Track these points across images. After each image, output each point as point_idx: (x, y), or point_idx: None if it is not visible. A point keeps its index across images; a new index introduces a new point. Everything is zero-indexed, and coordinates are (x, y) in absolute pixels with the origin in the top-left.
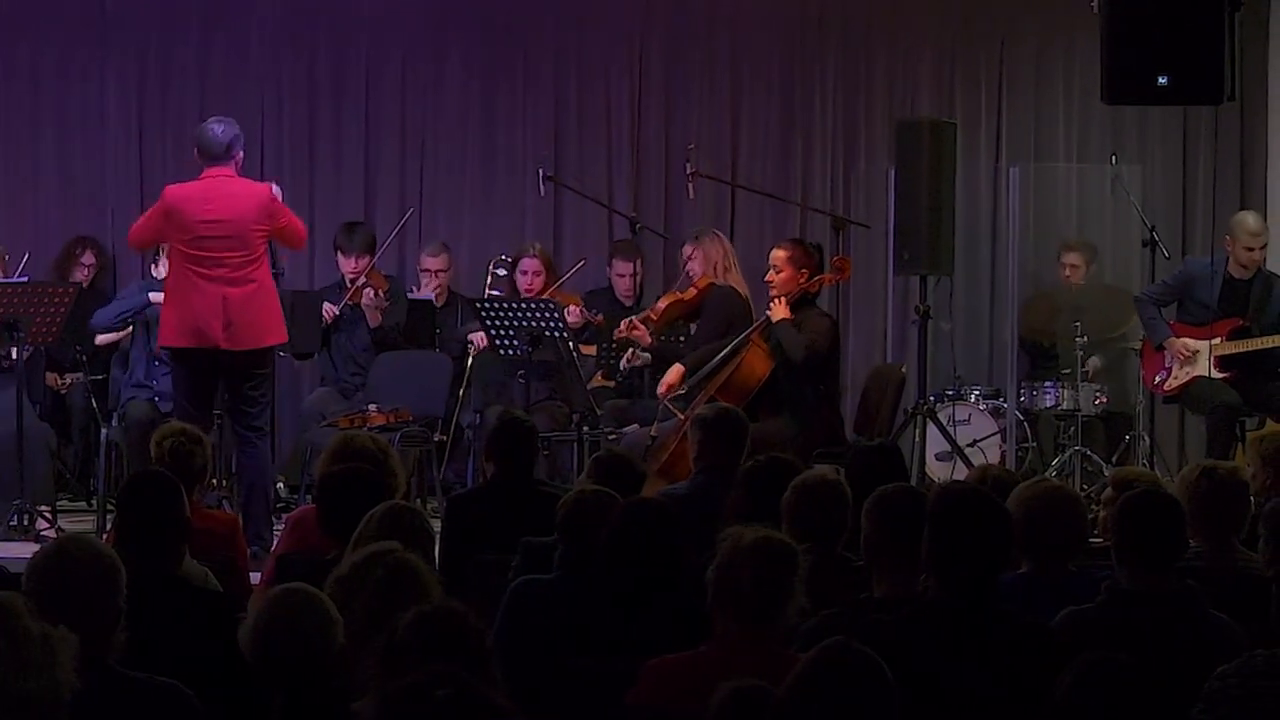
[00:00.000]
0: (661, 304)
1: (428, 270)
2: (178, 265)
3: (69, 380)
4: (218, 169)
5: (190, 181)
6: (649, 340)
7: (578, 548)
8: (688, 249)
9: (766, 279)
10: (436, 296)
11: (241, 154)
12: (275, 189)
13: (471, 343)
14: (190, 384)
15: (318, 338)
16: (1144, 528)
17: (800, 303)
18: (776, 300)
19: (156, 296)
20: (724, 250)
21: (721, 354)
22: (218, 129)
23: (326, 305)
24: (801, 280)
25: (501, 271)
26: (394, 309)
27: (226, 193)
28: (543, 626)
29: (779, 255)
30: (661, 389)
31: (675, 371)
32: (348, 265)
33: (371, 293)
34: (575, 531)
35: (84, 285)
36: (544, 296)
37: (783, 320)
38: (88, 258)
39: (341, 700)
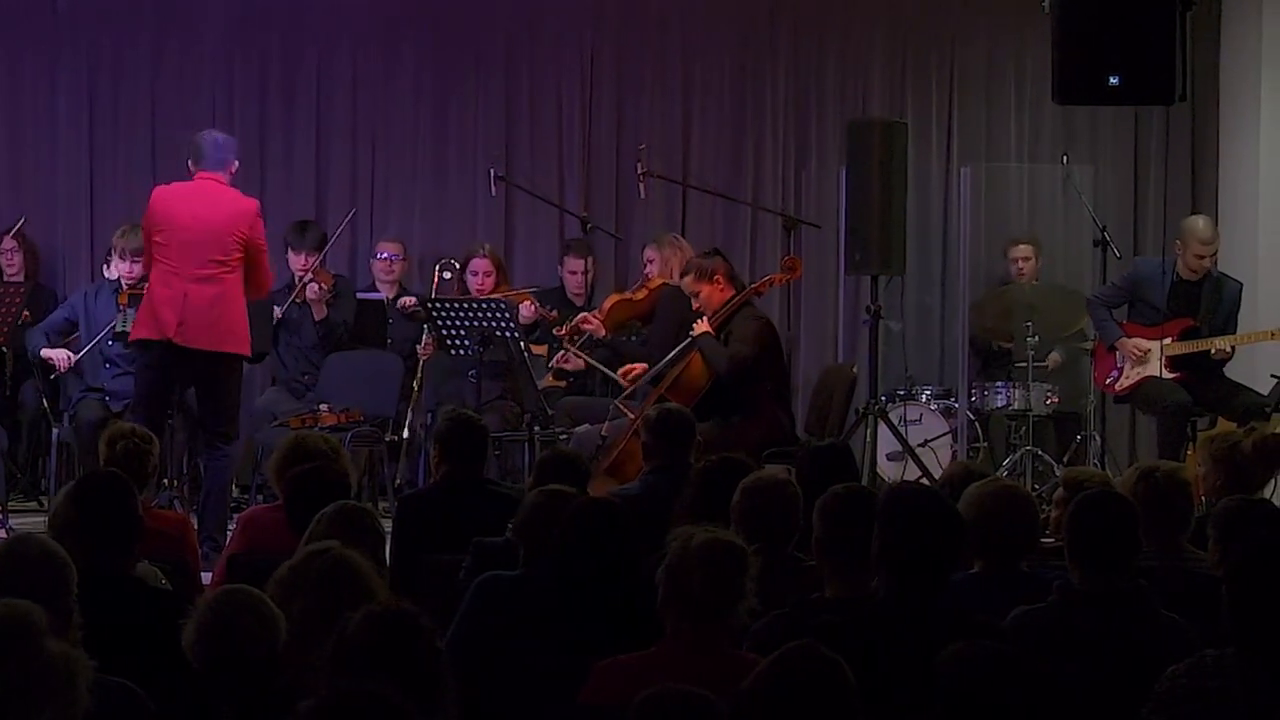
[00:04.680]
0: (607, 304)
1: (386, 256)
2: (153, 260)
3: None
4: (210, 174)
5: (179, 182)
6: (604, 332)
7: (537, 548)
8: (648, 252)
9: (695, 308)
10: (390, 285)
11: (236, 165)
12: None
13: (403, 307)
14: (149, 380)
15: (269, 338)
16: (1097, 528)
17: (743, 304)
18: (700, 321)
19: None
20: (682, 254)
21: (670, 355)
22: (219, 136)
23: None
24: (721, 284)
25: (447, 275)
26: (340, 305)
27: (212, 196)
28: (503, 623)
29: (687, 283)
30: (626, 379)
31: (641, 365)
32: (297, 262)
33: (316, 286)
34: (532, 534)
35: (26, 280)
36: (496, 295)
37: (704, 334)
38: (6, 243)
39: (287, 699)
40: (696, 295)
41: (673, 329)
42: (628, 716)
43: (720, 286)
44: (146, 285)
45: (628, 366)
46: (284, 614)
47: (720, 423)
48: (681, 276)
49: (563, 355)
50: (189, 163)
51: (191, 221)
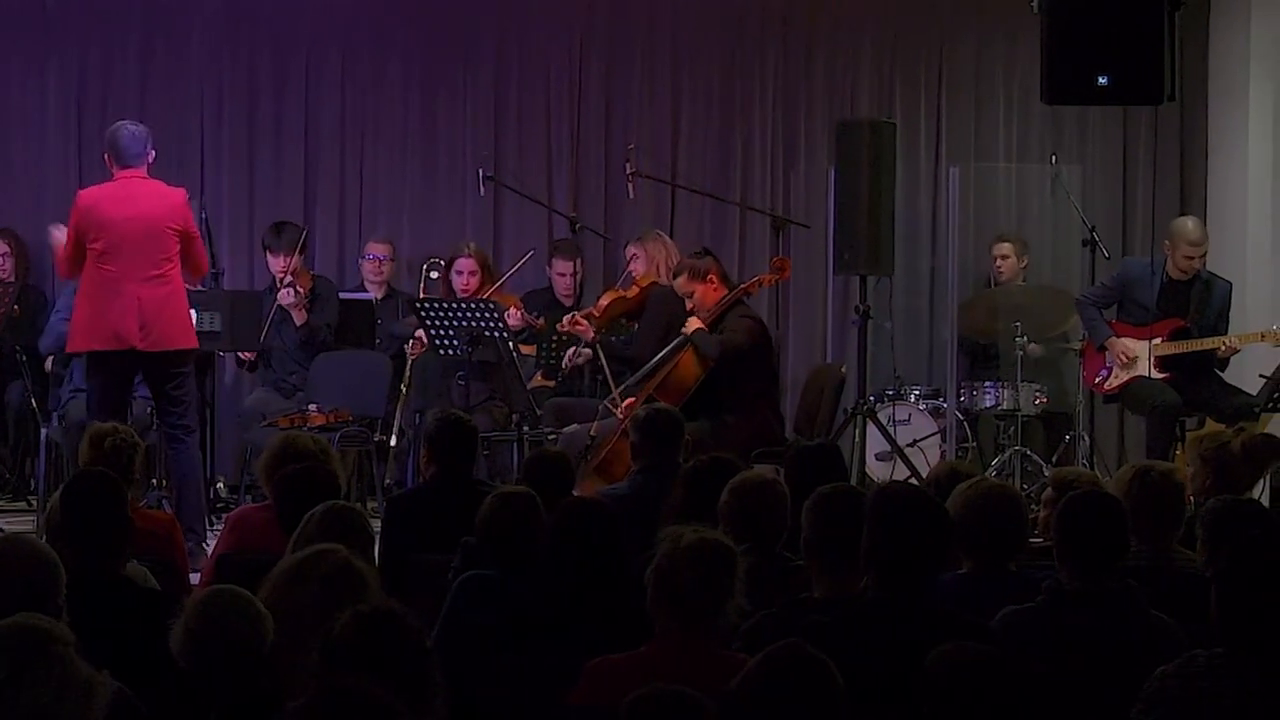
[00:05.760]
0: (604, 300)
1: (374, 257)
2: (91, 266)
3: None
4: (131, 170)
5: (103, 184)
6: (592, 335)
7: (504, 550)
8: (631, 249)
9: (690, 308)
10: (379, 286)
11: (153, 154)
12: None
13: (409, 340)
14: (104, 389)
15: (258, 338)
16: (1085, 528)
17: (734, 303)
18: (692, 318)
19: None
20: (667, 251)
21: (659, 355)
22: (134, 129)
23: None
24: (714, 283)
25: (434, 275)
26: (322, 308)
27: (142, 193)
28: (486, 622)
29: (680, 283)
30: (622, 410)
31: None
32: (277, 264)
33: (289, 292)
34: (496, 536)
35: (15, 280)
36: (483, 297)
37: (697, 330)
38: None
39: (275, 700)
40: (690, 295)
41: (661, 328)
42: (618, 717)
43: (714, 286)
44: (78, 292)
45: (629, 400)
46: (281, 612)
47: (709, 423)
48: (674, 277)
49: (574, 352)
50: (106, 157)
51: (131, 225)
